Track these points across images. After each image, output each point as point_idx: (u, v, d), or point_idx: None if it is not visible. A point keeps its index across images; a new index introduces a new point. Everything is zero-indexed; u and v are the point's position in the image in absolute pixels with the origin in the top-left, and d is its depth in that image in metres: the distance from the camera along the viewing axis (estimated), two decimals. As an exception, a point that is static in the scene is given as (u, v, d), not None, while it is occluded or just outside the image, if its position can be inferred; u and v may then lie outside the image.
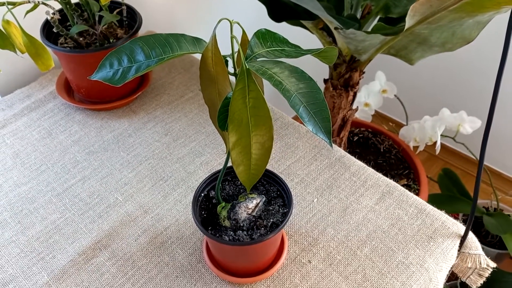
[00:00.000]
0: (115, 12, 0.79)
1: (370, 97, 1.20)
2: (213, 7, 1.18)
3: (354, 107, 1.00)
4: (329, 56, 0.50)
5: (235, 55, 0.45)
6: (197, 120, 0.81)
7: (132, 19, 0.82)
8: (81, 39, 0.78)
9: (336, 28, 0.77)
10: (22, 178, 0.72)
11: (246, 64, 0.42)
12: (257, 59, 0.46)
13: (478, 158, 0.58)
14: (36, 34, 0.69)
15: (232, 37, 0.43)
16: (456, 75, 1.46)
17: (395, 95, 1.20)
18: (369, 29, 0.88)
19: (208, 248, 0.61)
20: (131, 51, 0.46)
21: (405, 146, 1.17)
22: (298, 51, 0.47)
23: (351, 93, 0.94)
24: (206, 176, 0.59)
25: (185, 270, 0.60)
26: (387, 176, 0.72)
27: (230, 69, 0.47)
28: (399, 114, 1.38)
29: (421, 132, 1.13)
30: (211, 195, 0.58)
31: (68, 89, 0.84)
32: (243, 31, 0.46)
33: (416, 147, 1.15)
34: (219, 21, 0.42)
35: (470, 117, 1.11)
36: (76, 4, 0.77)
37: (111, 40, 0.79)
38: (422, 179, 1.10)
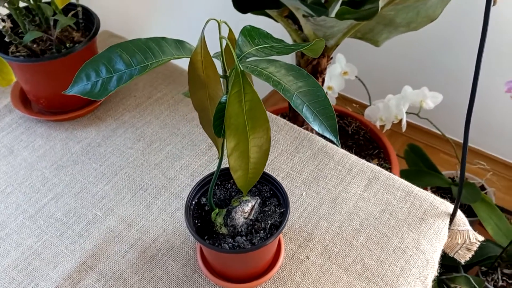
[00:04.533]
0: (70, 15, 0.74)
1: (332, 80, 1.20)
2: (173, 1, 1.14)
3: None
4: (316, 48, 0.48)
5: (224, 57, 0.43)
6: (170, 121, 0.77)
7: (88, 20, 0.76)
8: (34, 46, 0.72)
9: (304, 16, 0.75)
10: (-13, 203, 0.66)
11: (240, 66, 0.40)
12: (247, 59, 0.44)
13: (463, 140, 0.59)
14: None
15: (221, 38, 0.41)
16: (414, 52, 1.49)
17: (356, 76, 1.21)
18: (333, 14, 0.87)
19: (203, 256, 0.58)
20: (109, 60, 0.42)
21: (372, 126, 1.18)
22: (287, 47, 0.45)
23: (320, 80, 0.94)
24: (195, 182, 0.57)
25: (181, 282, 0.58)
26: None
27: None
28: (361, 95, 1.39)
29: (386, 111, 1.14)
30: (202, 202, 0.56)
31: (24, 101, 0.78)
32: (230, 29, 0.44)
33: (382, 126, 1.16)
34: (207, 21, 0.40)
35: (431, 93, 1.13)
36: (26, 8, 0.71)
37: (67, 45, 0.74)
38: (392, 157, 1.12)
